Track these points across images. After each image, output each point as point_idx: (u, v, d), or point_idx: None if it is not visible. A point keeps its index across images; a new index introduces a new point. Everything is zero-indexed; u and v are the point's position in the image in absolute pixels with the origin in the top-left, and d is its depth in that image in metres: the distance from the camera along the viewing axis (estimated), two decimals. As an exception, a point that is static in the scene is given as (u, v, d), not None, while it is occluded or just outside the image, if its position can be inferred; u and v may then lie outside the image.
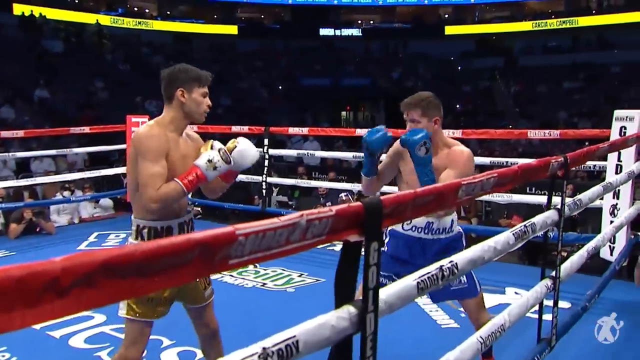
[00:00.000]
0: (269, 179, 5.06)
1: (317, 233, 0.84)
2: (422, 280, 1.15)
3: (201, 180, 1.72)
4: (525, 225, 1.62)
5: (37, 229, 4.89)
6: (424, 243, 2.02)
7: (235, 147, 1.85)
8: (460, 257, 1.34)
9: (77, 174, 5.89)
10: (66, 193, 5.90)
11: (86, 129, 5.56)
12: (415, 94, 2.00)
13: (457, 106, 18.05)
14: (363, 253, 0.96)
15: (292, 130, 5.02)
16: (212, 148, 1.76)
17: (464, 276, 1.99)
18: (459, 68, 21.18)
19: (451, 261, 1.30)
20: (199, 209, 6.60)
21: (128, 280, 0.61)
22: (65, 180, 5.84)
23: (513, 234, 1.55)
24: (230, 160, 1.78)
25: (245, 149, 1.86)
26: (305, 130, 5.01)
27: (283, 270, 3.86)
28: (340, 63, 21.52)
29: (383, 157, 2.14)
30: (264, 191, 4.99)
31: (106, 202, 6.23)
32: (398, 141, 2.07)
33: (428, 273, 1.20)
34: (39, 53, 14.08)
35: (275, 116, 15.97)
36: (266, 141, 4.94)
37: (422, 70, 20.85)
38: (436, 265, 1.25)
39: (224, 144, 1.86)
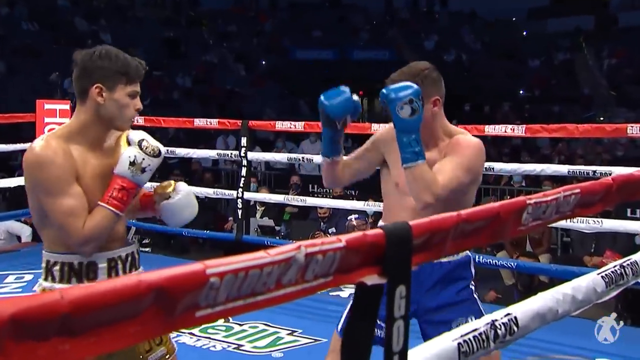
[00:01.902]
0: (248, 195, 5.06)
1: (320, 272, 0.84)
2: (465, 342, 1.15)
3: (132, 191, 1.76)
4: (622, 265, 1.61)
5: None
6: (420, 270, 2.02)
7: (170, 197, 1.87)
8: (522, 310, 1.34)
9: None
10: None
11: None
12: (407, 66, 2.05)
13: (520, 90, 18.16)
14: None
15: (281, 124, 5.04)
16: (129, 143, 1.78)
17: (473, 319, 2.01)
18: (525, 33, 21.30)
19: (508, 314, 1.30)
20: (140, 237, 6.61)
21: (49, 343, 0.61)
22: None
23: (603, 277, 1.55)
24: (160, 152, 1.79)
25: (183, 204, 1.88)
26: (299, 126, 5.03)
27: (267, 325, 3.85)
28: (350, 27, 21.68)
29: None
30: (240, 212, 4.99)
31: (13, 226, 6.18)
32: (387, 126, 2.12)
33: (474, 331, 1.20)
34: None
35: (256, 104, 16.06)
36: (244, 140, 4.96)
37: (467, 36, 20.99)
38: (486, 320, 1.25)
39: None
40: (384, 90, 1.92)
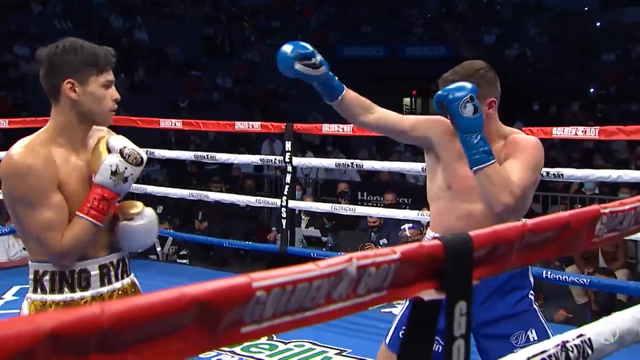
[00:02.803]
0: (293, 203, 5.09)
1: (373, 287, 0.84)
2: None
3: (113, 201, 1.77)
4: None
5: None
6: None
7: (132, 219, 1.87)
8: (597, 330, 1.32)
9: None
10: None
11: (2, 123, 5.58)
12: (462, 65, 2.07)
13: (591, 89, 17.73)
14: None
15: (328, 127, 5.06)
16: (109, 150, 1.77)
17: (534, 332, 2.01)
18: (598, 24, 20.81)
19: (580, 335, 1.28)
20: (177, 248, 6.72)
21: (88, 359, 0.62)
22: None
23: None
24: (142, 160, 1.80)
25: (144, 230, 1.88)
26: (347, 129, 5.03)
27: (313, 344, 3.86)
28: (402, 22, 21.60)
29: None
30: (284, 221, 5.02)
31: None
32: (437, 117, 2.12)
33: (543, 352, 1.19)
34: None
35: (301, 106, 16.13)
36: (288, 144, 4.99)
37: (533, 29, 20.64)
38: (555, 340, 1.24)
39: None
40: (440, 92, 1.93)
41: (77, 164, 1.79)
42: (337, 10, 22.34)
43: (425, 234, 2.35)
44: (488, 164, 1.88)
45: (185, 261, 6.60)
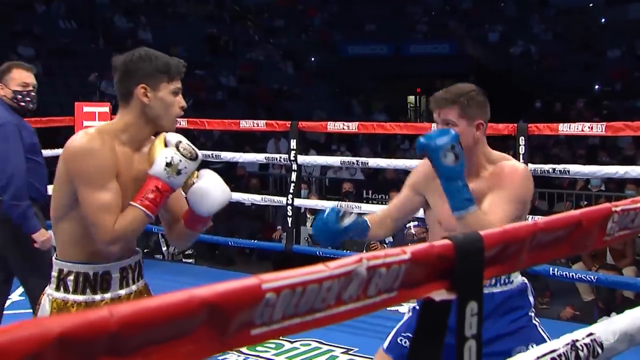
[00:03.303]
0: (299, 202, 5.08)
1: (383, 287, 0.84)
2: None
3: (165, 193, 1.81)
4: None
5: None
6: None
7: (194, 183, 1.90)
8: (607, 329, 1.31)
9: None
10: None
11: None
12: (453, 86, 2.12)
13: (596, 85, 17.69)
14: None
15: (333, 125, 5.05)
16: (166, 145, 1.84)
17: (534, 345, 2.00)
18: (603, 21, 20.74)
19: (590, 334, 1.27)
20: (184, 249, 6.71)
21: (96, 362, 0.62)
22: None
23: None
24: (197, 155, 1.86)
25: (208, 188, 1.90)
26: (352, 126, 5.03)
27: (320, 343, 3.85)
28: (406, 20, 21.58)
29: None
30: (289, 220, 5.02)
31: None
32: (420, 165, 2.25)
33: (553, 352, 1.19)
34: None
35: (306, 104, 16.15)
36: (293, 143, 4.99)
37: (537, 26, 20.60)
38: (565, 340, 1.23)
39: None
40: (422, 140, 1.96)
41: (133, 164, 1.87)
42: (341, 9, 22.33)
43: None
44: (467, 210, 1.92)
45: (190, 260, 6.59)
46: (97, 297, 1.87)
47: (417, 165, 2.29)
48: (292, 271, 0.73)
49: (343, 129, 4.96)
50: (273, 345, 3.81)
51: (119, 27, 16.79)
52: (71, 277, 1.85)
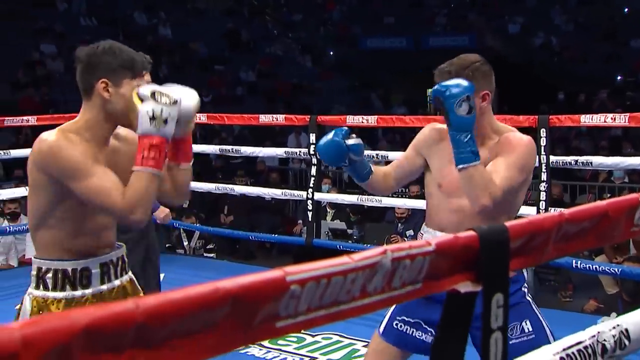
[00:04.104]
0: (319, 195, 5.08)
1: (408, 279, 0.83)
2: (568, 356, 1.14)
3: (162, 146, 1.77)
4: None
5: None
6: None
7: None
8: (634, 321, 1.29)
9: (16, 189, 5.74)
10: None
11: (31, 120, 5.52)
12: (456, 58, 2.12)
13: (619, 76, 17.45)
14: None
15: (352, 119, 5.04)
16: (142, 99, 1.78)
17: (528, 323, 2.06)
18: (625, 10, 20.45)
19: (616, 325, 1.26)
20: (204, 242, 6.74)
21: (123, 355, 0.62)
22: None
23: None
24: (176, 97, 1.79)
25: (180, 92, 1.84)
26: (372, 120, 5.01)
27: (341, 336, 3.85)
28: (425, 12, 21.45)
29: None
30: (309, 214, 5.02)
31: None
32: (426, 128, 2.26)
33: (579, 344, 1.18)
34: None
35: (325, 98, 16.12)
36: (312, 137, 4.98)
37: (558, 17, 20.37)
38: (591, 332, 1.22)
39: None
40: (438, 87, 1.96)
41: (98, 160, 1.82)
42: (360, 2, 22.24)
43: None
44: (473, 164, 1.93)
45: (212, 255, 6.63)
46: (78, 293, 1.85)
47: (423, 129, 2.29)
48: (317, 263, 0.73)
49: (362, 122, 4.94)
50: (294, 339, 3.82)
51: (139, 23, 16.88)
52: (50, 275, 1.84)
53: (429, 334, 2.13)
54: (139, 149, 1.76)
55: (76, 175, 1.75)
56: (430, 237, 2.08)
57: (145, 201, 1.77)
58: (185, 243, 6.64)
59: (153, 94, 1.76)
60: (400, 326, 2.18)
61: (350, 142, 2.16)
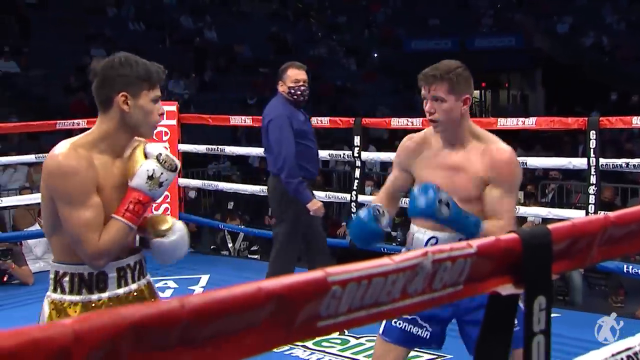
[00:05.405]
0: (362, 198, 5.08)
1: (449, 281, 0.83)
2: None
3: (147, 205, 1.84)
4: None
5: (5, 278, 5.10)
6: None
7: (164, 235, 1.93)
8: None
9: None
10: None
11: (81, 123, 5.64)
12: (440, 63, 2.22)
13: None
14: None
15: (397, 122, 5.03)
16: (146, 157, 1.86)
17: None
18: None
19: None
20: (249, 244, 6.79)
21: (169, 353, 0.64)
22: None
23: None
24: (177, 164, 1.89)
25: (176, 245, 1.95)
26: (417, 122, 4.98)
27: (385, 340, 3.84)
28: (471, 13, 21.23)
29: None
30: (354, 217, 5.01)
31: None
32: (401, 144, 2.36)
33: (628, 350, 1.16)
34: (0, 4, 14.74)
35: (369, 100, 16.09)
36: (357, 139, 4.99)
37: (610, 17, 19.92)
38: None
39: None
40: (413, 210, 2.06)
41: (114, 172, 1.87)
42: (404, 4, 22.14)
43: None
44: (482, 231, 2.06)
45: (256, 256, 6.68)
46: (94, 296, 1.89)
47: (400, 144, 2.40)
48: (358, 264, 0.74)
49: (407, 125, 4.92)
50: (339, 341, 3.83)
51: (185, 27, 17.12)
52: (67, 279, 1.87)
53: (424, 329, 2.25)
54: (126, 199, 1.82)
55: (70, 202, 1.78)
56: (421, 235, 2.23)
57: (114, 250, 1.84)
58: (230, 245, 6.71)
59: (159, 156, 1.85)
60: (399, 324, 2.26)
61: (383, 223, 2.21)
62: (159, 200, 4.77)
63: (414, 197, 2.07)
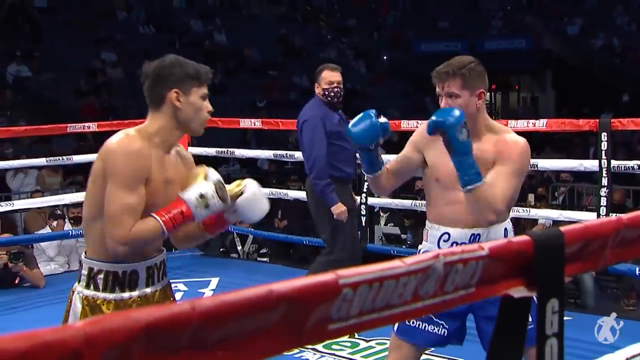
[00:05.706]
0: (372, 200, 5.08)
1: (461, 284, 0.83)
2: None
3: (187, 220, 1.89)
4: None
5: (16, 280, 5.06)
6: None
7: (242, 193, 2.01)
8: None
9: (77, 194, 5.85)
10: (61, 224, 5.99)
11: (92, 127, 5.71)
12: (453, 59, 2.25)
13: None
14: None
15: (407, 124, 5.02)
16: (206, 179, 1.93)
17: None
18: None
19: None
20: (258, 247, 6.80)
21: (180, 355, 0.64)
22: (59, 204, 5.91)
23: None
24: (228, 199, 1.95)
25: (253, 199, 2.02)
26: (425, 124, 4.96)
27: (395, 343, 3.83)
28: (481, 15, 21.19)
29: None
30: (363, 219, 5.02)
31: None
32: (423, 126, 2.32)
33: None
34: (11, 8, 15.01)
35: (379, 103, 16.06)
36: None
37: (620, 18, 19.82)
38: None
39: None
40: (436, 118, 2.07)
41: (161, 167, 1.93)
42: (414, 6, 22.14)
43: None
44: (478, 185, 2.07)
45: (265, 259, 6.67)
46: (126, 295, 1.94)
47: (420, 126, 2.40)
48: (369, 267, 0.74)
49: (417, 127, 4.91)
50: (349, 344, 3.82)
51: (195, 30, 17.18)
52: (101, 276, 1.92)
53: (441, 326, 2.24)
54: (172, 205, 1.88)
55: (119, 179, 1.84)
56: (435, 231, 2.24)
57: (138, 244, 1.87)
58: (239, 247, 6.71)
59: (217, 184, 1.92)
60: (413, 322, 2.26)
61: (382, 120, 2.23)
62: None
63: (442, 110, 2.11)
